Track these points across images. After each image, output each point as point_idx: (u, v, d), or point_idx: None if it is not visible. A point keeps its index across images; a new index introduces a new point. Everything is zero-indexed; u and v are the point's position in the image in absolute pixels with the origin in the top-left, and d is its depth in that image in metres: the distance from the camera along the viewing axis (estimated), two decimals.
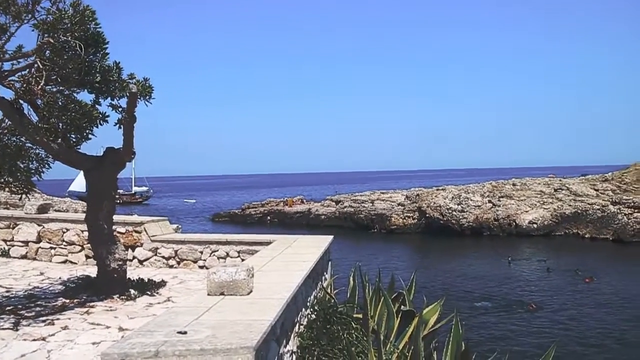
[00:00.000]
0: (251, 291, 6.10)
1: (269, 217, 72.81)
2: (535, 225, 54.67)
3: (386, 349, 6.82)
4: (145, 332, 4.58)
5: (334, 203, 71.17)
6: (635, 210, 51.20)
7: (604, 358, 20.57)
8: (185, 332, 4.51)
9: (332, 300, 8.17)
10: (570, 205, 55.64)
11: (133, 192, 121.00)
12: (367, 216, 63.68)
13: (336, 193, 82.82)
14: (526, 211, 56.63)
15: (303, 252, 9.21)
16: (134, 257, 13.89)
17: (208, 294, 6.03)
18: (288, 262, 8.26)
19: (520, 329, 24.49)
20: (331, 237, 10.72)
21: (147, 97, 10.60)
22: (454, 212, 57.76)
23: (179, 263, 13.31)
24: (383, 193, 70.83)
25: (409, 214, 61.21)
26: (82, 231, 14.38)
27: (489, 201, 59.05)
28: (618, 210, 52.10)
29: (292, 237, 11.36)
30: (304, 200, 80.00)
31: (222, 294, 5.97)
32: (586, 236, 52.43)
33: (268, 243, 10.78)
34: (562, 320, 25.79)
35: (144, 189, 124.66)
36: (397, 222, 60.64)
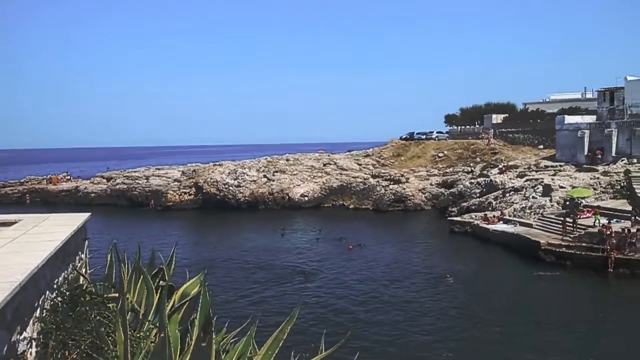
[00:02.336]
0: None
1: (28, 196, 66.14)
2: (306, 198, 57.90)
3: (144, 328, 6.47)
4: None
5: (105, 180, 67.15)
6: (391, 183, 57.14)
7: (365, 316, 22.66)
8: None
9: (85, 281, 7.53)
10: (337, 179, 59.99)
11: None
12: (142, 193, 61.35)
13: (108, 169, 78.36)
14: (298, 185, 59.65)
15: (52, 231, 8.35)
16: None
17: None
18: (32, 242, 7.41)
19: (291, 295, 25.74)
20: (87, 214, 9.89)
21: None
22: (231, 187, 58.47)
23: None
24: (158, 169, 68.80)
25: (185, 190, 60.35)
26: None
27: (264, 176, 60.93)
28: (377, 183, 57.61)
29: (43, 216, 10.24)
30: (71, 178, 74.13)
31: None
32: (351, 207, 57.12)
33: (12, 223, 9.58)
34: (329, 284, 27.73)
35: None
36: (174, 198, 59.43)
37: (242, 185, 58.99)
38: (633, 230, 29.37)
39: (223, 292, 25.43)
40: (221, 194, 57.94)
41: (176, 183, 61.90)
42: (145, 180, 63.29)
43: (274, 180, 59.97)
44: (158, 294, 7.40)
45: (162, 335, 3.84)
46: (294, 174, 61.67)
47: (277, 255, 34.81)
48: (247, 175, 60.43)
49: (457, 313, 22.73)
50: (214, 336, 4.43)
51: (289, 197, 57.88)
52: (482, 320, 21.74)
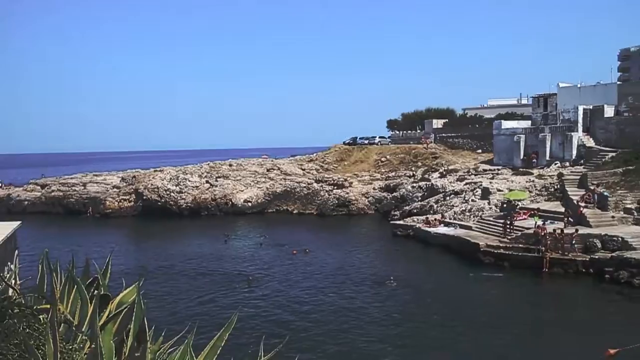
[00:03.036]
0: None
1: None
2: (250, 204, 57.47)
3: (78, 339, 6.18)
4: None
5: (39, 187, 64.66)
6: (335, 187, 57.47)
7: (308, 321, 22.59)
8: None
9: (14, 293, 7.16)
10: (281, 184, 59.84)
11: None
12: (79, 200, 59.43)
13: (42, 176, 75.47)
14: (242, 190, 59.15)
15: None
16: None
17: None
18: None
19: (233, 302, 25.39)
20: (17, 223, 9.48)
21: None
22: (172, 193, 57.39)
23: None
24: (96, 175, 66.85)
25: (125, 197, 58.82)
26: None
27: (207, 181, 60.12)
28: (321, 188, 57.82)
29: None
30: (2, 185, 70.99)
31: None
32: (294, 212, 57.08)
33: None
34: (273, 290, 27.51)
35: None
36: (113, 205, 57.82)
37: (184, 191, 58.02)
38: (569, 231, 30.47)
39: (163, 300, 24.89)
40: (162, 200, 56.79)
41: (115, 189, 60.28)
42: (83, 187, 61.33)
43: (216, 186, 59.25)
44: (92, 304, 7.13)
45: (93, 346, 3.67)
46: (237, 180, 61.15)
47: (220, 262, 34.37)
48: (189, 181, 59.48)
49: (399, 317, 23.00)
50: (149, 345, 4.27)
51: (232, 203, 57.30)
52: (425, 323, 22.09)
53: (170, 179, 59.27)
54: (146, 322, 4.39)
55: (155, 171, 63.29)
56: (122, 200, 58.45)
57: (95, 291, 7.90)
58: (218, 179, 60.65)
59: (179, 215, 55.53)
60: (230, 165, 66.10)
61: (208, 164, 66.60)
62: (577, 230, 30.30)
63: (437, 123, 71.89)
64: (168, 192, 57.26)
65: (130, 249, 40.96)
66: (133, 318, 5.02)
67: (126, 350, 5.71)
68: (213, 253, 37.07)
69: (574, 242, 29.59)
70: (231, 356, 5.27)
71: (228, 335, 4.47)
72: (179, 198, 57.10)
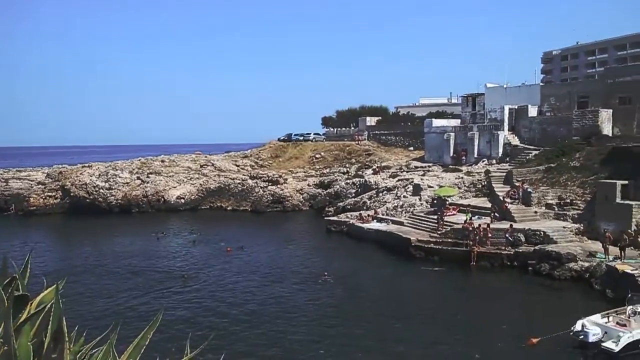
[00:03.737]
0: None
1: None
2: (182, 200, 56.46)
3: None
4: None
5: None
6: (270, 184, 57.28)
7: (242, 318, 22.39)
8: None
9: None
10: (215, 180, 59.08)
11: None
12: (1, 197, 56.67)
13: None
14: (174, 187, 58.00)
15: None
16: None
17: None
18: None
19: (164, 300, 24.75)
20: None
21: None
22: (101, 190, 55.59)
23: None
24: (19, 171, 63.81)
25: (50, 194, 56.48)
26: None
27: (138, 178, 58.56)
28: (255, 184, 57.49)
29: None
30: None
31: None
32: (229, 208, 56.49)
33: None
34: (206, 288, 27.05)
35: None
36: (37, 202, 55.40)
37: (113, 187, 56.27)
38: (504, 226, 31.53)
39: (91, 300, 24.07)
40: (91, 197, 54.90)
41: (40, 186, 57.74)
42: (5, 183, 58.41)
43: (148, 182, 57.81)
44: (7, 305, 6.81)
45: (6, 348, 3.49)
46: (170, 176, 59.88)
47: (153, 260, 33.59)
48: (120, 177, 57.72)
49: (333, 311, 23.20)
50: (69, 346, 4.09)
51: (164, 200, 56.11)
52: (358, 316, 22.37)
53: (100, 175, 57.36)
54: (65, 322, 4.23)
55: (83, 167, 61.04)
56: (48, 197, 56.13)
57: (13, 291, 7.55)
58: (150, 175, 59.17)
59: (108, 213, 53.83)
60: (163, 161, 64.60)
61: (139, 160, 64.79)
62: (512, 226, 31.36)
63: (371, 120, 72.85)
64: (97, 189, 55.42)
65: (56, 247, 39.41)
66: (51, 318, 4.84)
67: (44, 351, 5.49)
68: (145, 251, 36.19)
69: (508, 235, 30.62)
70: (157, 356, 5.16)
71: (156, 335, 4.37)
72: (108, 195, 55.37)
